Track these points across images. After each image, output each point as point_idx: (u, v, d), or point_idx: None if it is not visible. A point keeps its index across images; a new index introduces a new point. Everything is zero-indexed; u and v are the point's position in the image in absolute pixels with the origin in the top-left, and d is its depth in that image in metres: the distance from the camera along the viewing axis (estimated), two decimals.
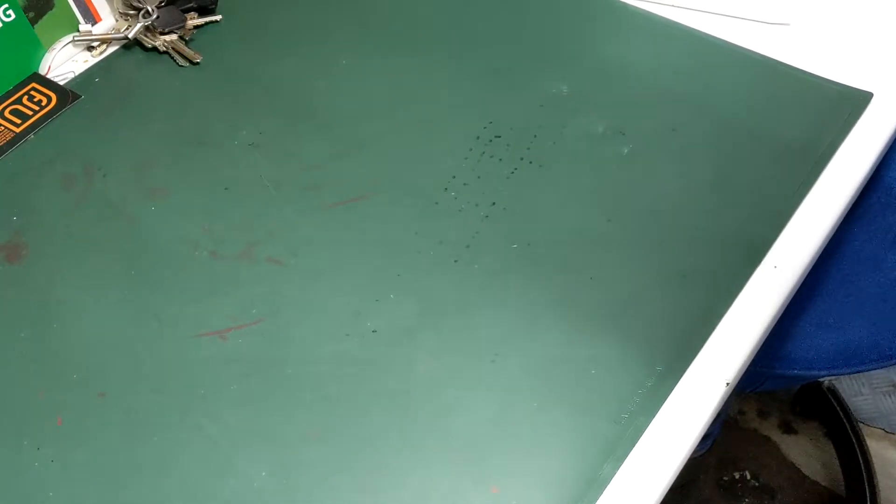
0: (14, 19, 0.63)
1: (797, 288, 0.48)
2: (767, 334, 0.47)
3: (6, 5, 0.62)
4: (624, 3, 0.66)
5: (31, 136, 0.61)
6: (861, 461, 1.02)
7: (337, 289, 0.50)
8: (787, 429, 1.14)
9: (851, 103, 0.56)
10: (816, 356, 0.69)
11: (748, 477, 1.10)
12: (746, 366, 0.45)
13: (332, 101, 0.61)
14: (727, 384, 0.44)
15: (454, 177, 0.55)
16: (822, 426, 1.13)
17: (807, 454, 1.11)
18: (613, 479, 0.41)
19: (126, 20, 0.69)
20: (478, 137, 0.57)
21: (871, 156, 0.53)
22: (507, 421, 0.43)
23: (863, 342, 0.67)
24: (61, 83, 0.65)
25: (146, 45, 0.67)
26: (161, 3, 0.67)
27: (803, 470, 1.10)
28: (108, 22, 0.70)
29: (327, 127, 0.59)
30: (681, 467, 0.42)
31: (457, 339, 0.47)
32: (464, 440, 0.43)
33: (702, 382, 0.44)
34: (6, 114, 0.63)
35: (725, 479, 1.10)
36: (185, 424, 0.44)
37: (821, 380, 1.08)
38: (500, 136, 0.57)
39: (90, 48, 0.68)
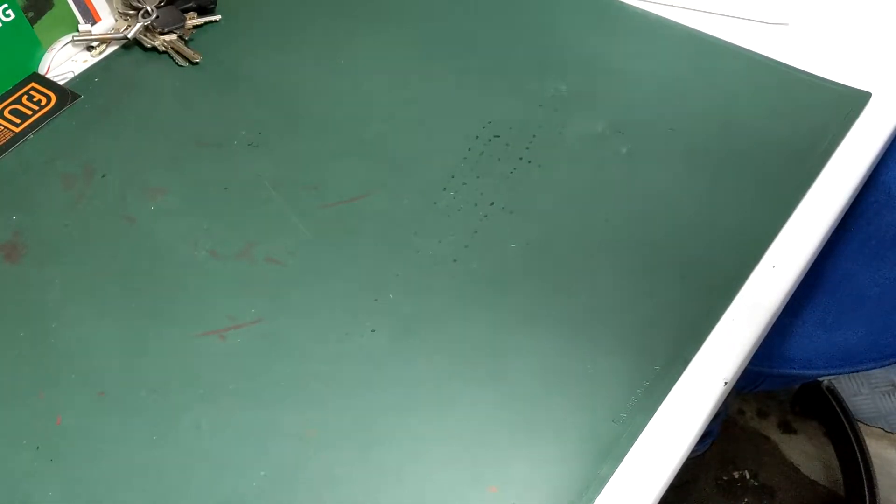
0: (13, 19, 0.63)
1: (796, 287, 0.48)
2: (766, 334, 0.47)
3: (6, 5, 0.62)
4: (623, 3, 0.66)
5: (31, 135, 0.61)
6: (860, 461, 1.02)
7: (336, 288, 0.50)
8: (787, 428, 1.14)
9: (850, 103, 0.56)
10: (815, 355, 0.70)
11: (747, 476, 1.10)
12: (745, 365, 0.45)
13: (332, 101, 0.61)
14: (725, 383, 0.44)
15: (453, 176, 0.55)
16: (822, 426, 1.13)
17: (806, 454, 1.11)
18: (612, 478, 0.41)
19: (125, 20, 0.69)
20: (477, 137, 0.57)
21: (870, 155, 0.53)
22: (506, 420, 0.43)
23: (862, 342, 0.67)
24: (61, 83, 0.65)
25: (146, 44, 0.67)
26: (161, 3, 0.67)
27: (802, 469, 1.10)
28: (107, 22, 0.70)
29: (326, 127, 0.59)
30: (679, 466, 0.42)
31: (455, 338, 0.47)
32: (462, 440, 0.43)
33: (700, 382, 0.44)
34: (6, 113, 0.63)
35: (724, 478, 1.10)
36: (185, 424, 0.44)
37: (820, 379, 1.08)
38: (499, 136, 0.57)
39: (90, 48, 0.68)
